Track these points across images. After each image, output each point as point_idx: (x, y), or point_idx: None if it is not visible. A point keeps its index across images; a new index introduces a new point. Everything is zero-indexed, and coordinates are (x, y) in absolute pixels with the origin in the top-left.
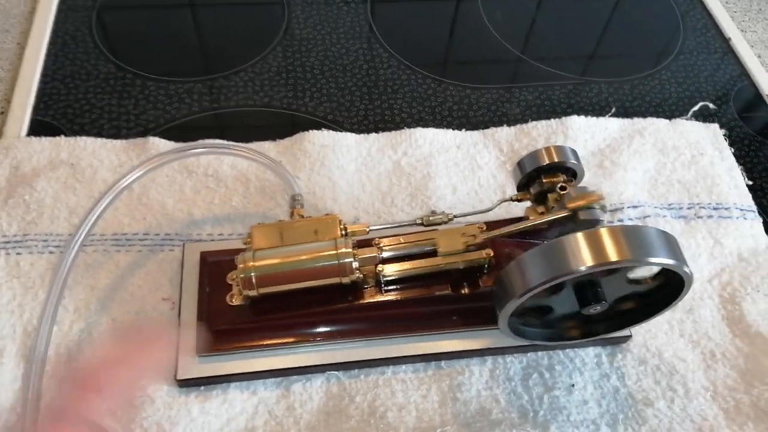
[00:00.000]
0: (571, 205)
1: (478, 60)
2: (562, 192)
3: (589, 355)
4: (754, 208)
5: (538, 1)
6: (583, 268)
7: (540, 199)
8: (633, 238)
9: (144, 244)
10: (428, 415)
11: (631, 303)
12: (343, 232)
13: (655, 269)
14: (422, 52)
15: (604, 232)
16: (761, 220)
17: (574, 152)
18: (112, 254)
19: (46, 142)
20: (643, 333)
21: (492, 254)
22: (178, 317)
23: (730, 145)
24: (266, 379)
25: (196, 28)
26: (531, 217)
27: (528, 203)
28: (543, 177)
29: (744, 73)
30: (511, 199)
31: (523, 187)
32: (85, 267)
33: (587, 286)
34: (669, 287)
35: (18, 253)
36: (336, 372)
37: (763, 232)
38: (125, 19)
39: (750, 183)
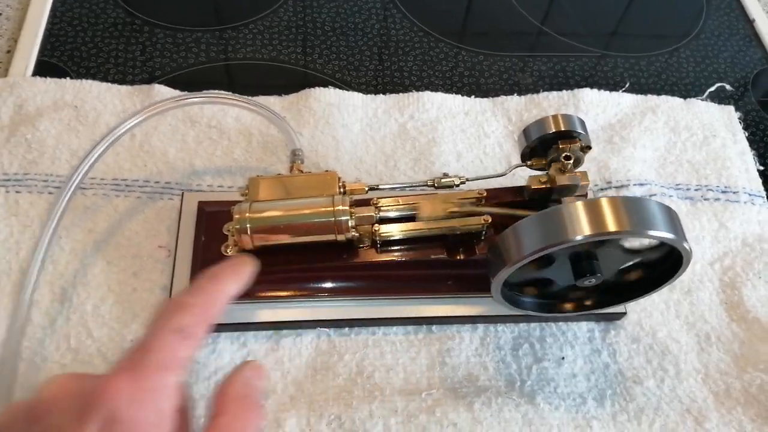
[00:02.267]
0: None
1: (494, 28)
2: (566, 161)
3: (581, 329)
4: (764, 194)
5: None
6: (580, 238)
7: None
8: (633, 209)
9: (143, 191)
10: (415, 378)
11: (628, 278)
12: (342, 190)
13: (653, 242)
14: (437, 15)
15: (604, 202)
16: None
17: (582, 122)
18: (111, 198)
19: (51, 82)
20: (638, 311)
21: (489, 220)
22: (173, 265)
23: (745, 128)
24: (257, 331)
25: None
26: (533, 186)
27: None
28: (560, 143)
29: (766, 57)
30: (526, 165)
31: (529, 154)
32: (84, 210)
33: (583, 258)
34: (667, 263)
35: (17, 192)
36: (326, 329)
37: None
38: None
39: (761, 168)
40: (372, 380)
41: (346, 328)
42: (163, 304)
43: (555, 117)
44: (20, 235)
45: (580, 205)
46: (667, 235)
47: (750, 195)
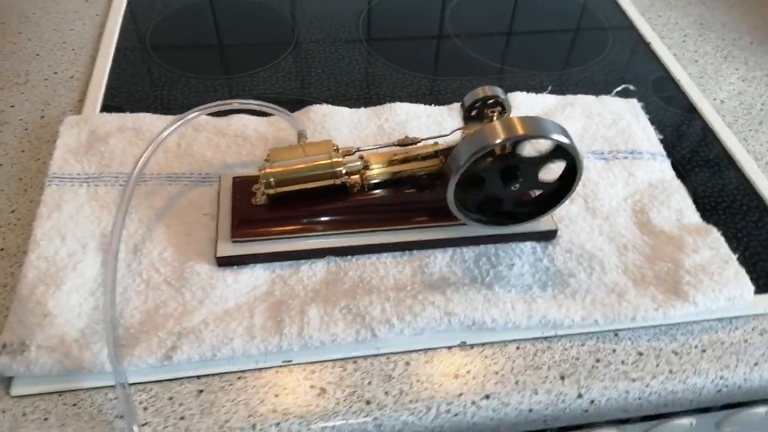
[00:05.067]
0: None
1: (455, 67)
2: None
3: (526, 246)
4: (664, 153)
5: (508, 23)
6: (498, 141)
7: None
8: (537, 122)
9: (189, 180)
10: (402, 281)
11: (546, 190)
12: (336, 150)
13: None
14: (404, 58)
15: (515, 119)
16: (669, 161)
17: (503, 90)
18: (165, 186)
19: (115, 115)
20: (569, 233)
21: (445, 160)
22: (216, 222)
23: (647, 113)
24: (281, 261)
25: (224, 48)
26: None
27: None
28: (486, 109)
29: (661, 67)
30: (463, 130)
31: (468, 120)
32: (146, 195)
33: (509, 170)
34: (569, 180)
35: (96, 185)
36: (334, 257)
37: (671, 168)
38: (172, 38)
39: (661, 137)
40: (370, 284)
41: (349, 255)
42: None
43: (483, 87)
44: (100, 211)
45: (497, 122)
46: (563, 140)
47: (652, 154)
